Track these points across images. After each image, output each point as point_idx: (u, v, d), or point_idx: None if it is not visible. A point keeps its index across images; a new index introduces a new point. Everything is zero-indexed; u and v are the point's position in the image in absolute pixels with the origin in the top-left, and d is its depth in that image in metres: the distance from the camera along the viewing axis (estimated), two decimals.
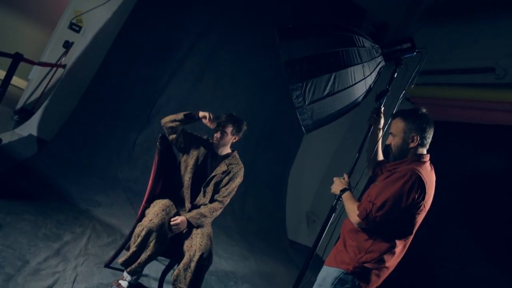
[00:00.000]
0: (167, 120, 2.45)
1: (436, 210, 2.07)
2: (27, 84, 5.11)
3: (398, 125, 1.88)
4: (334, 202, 2.03)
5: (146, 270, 2.72)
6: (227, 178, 2.54)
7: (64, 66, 4.59)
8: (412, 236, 1.85)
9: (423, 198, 1.73)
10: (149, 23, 4.52)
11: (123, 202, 3.87)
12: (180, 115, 2.43)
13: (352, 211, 1.82)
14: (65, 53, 4.69)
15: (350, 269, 1.81)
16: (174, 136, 2.48)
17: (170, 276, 2.58)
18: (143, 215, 2.39)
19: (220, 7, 4.78)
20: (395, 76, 2.11)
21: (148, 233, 2.17)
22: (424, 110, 1.88)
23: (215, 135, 2.51)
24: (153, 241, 2.18)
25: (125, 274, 2.38)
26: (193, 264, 2.21)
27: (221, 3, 4.77)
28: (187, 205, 2.49)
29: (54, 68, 4.66)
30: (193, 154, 2.51)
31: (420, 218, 1.81)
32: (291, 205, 5.56)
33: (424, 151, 1.87)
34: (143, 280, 2.59)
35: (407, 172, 1.72)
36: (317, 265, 2.17)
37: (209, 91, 4.81)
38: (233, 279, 3.34)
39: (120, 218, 3.45)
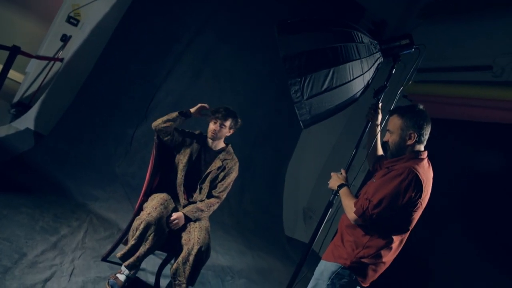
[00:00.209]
0: (159, 122, 2.41)
1: (433, 207, 2.08)
2: (24, 77, 5.09)
3: (395, 122, 1.88)
4: (331, 197, 2.05)
5: (143, 264, 2.72)
6: (222, 173, 2.54)
7: (61, 60, 4.57)
8: (409, 232, 1.87)
9: (420, 196, 1.74)
10: (147, 18, 4.50)
11: (121, 196, 3.87)
12: (173, 114, 2.41)
13: (349, 207, 1.83)
14: (62, 47, 4.66)
15: (347, 264, 1.83)
16: (168, 137, 2.46)
17: (167, 270, 2.61)
18: (140, 209, 2.39)
19: (218, 3, 4.77)
20: (393, 72, 2.12)
21: (147, 227, 2.17)
22: (421, 107, 1.88)
23: (212, 128, 2.48)
24: (152, 234, 2.19)
25: (122, 268, 2.38)
26: (191, 258, 2.21)
27: None
28: (182, 201, 2.49)
29: (52, 62, 4.64)
30: (187, 151, 2.50)
31: (417, 215, 1.82)
32: (288, 201, 5.58)
33: (422, 147, 1.88)
34: (140, 274, 2.60)
35: (404, 170, 1.73)
36: (313, 260, 2.18)
37: (207, 86, 4.80)
38: (230, 274, 3.36)
39: (118, 212, 3.45)
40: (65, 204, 3.07)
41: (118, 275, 2.34)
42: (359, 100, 2.15)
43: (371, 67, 2.02)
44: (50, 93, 4.33)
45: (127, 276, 2.35)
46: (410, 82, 2.11)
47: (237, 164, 2.60)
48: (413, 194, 1.71)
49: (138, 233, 2.17)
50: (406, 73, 2.10)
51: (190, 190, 2.52)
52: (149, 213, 2.22)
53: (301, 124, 1.97)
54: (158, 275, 2.52)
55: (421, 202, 1.77)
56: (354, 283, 1.86)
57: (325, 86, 1.88)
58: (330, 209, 2.06)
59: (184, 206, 2.47)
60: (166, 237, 2.29)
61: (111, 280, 2.31)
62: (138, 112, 4.55)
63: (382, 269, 1.88)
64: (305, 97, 1.87)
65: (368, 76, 2.03)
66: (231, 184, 2.58)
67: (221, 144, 2.60)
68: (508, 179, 3.26)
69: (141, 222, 2.18)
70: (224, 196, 2.56)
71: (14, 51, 3.24)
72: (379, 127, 2.12)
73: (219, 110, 2.48)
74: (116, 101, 4.45)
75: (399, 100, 2.53)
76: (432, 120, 1.88)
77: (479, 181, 3.50)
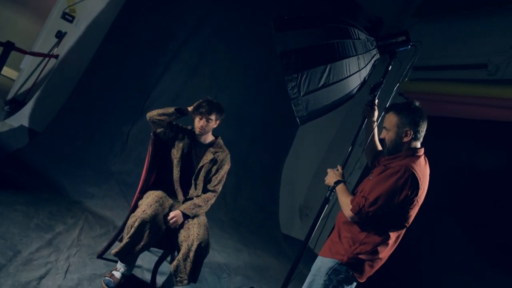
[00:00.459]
0: (154, 114, 2.40)
1: (429, 205, 2.09)
2: (18, 74, 5.04)
3: (391, 120, 1.89)
4: (328, 194, 2.05)
5: (139, 261, 2.72)
6: (215, 167, 2.52)
7: (56, 57, 4.53)
8: (405, 229, 1.88)
9: (416, 194, 1.75)
10: (143, 14, 4.47)
11: (116, 194, 3.85)
12: (169, 110, 2.39)
13: (346, 204, 1.84)
14: (57, 43, 4.63)
15: (344, 260, 1.84)
16: (162, 129, 2.45)
17: (163, 267, 2.60)
18: (136, 206, 2.38)
19: (215, 0, 4.75)
20: (390, 69, 2.12)
21: (141, 224, 2.16)
22: (417, 104, 1.88)
23: (199, 124, 2.43)
24: (146, 232, 2.18)
25: (118, 265, 2.38)
26: (191, 254, 2.20)
27: None
28: (180, 198, 2.49)
29: (46, 59, 4.60)
30: (179, 146, 2.49)
31: (413, 212, 1.83)
32: (284, 198, 5.59)
33: (418, 144, 1.89)
34: (136, 272, 2.59)
35: (401, 169, 1.74)
36: (309, 257, 2.19)
37: (204, 83, 4.79)
38: (227, 271, 3.36)
39: (113, 210, 3.43)
40: (60, 202, 3.05)
41: (114, 272, 2.33)
42: (355, 98, 2.16)
43: (367, 64, 2.02)
44: (45, 90, 4.30)
45: (123, 273, 2.34)
46: (406, 79, 2.11)
47: (229, 155, 2.58)
48: (409, 192, 1.72)
49: (132, 230, 2.16)
50: (402, 70, 2.11)
51: (185, 186, 2.51)
52: (144, 211, 2.21)
53: (298, 121, 1.97)
54: (154, 272, 2.51)
55: (417, 199, 1.78)
56: (351, 279, 1.87)
57: (322, 83, 1.88)
58: (326, 206, 2.07)
59: (182, 203, 2.47)
60: (162, 234, 2.28)
61: (107, 277, 2.30)
62: (134, 109, 4.53)
63: (378, 265, 1.89)
64: (302, 94, 1.87)
65: (364, 72, 2.03)
66: (225, 176, 2.57)
67: (210, 137, 2.57)
68: (504, 176, 3.29)
69: (136, 220, 2.17)
70: (220, 188, 2.55)
71: (8, 47, 3.21)
72: (375, 123, 2.12)
73: (201, 105, 2.42)
74: (112, 99, 4.43)
75: (395, 98, 2.54)
76: (427, 118, 1.88)
77: (475, 179, 3.53)
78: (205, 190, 2.53)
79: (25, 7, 6.50)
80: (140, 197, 2.43)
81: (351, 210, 1.80)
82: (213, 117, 2.43)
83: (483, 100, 3.67)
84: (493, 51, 3.84)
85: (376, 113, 2.12)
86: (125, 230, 2.25)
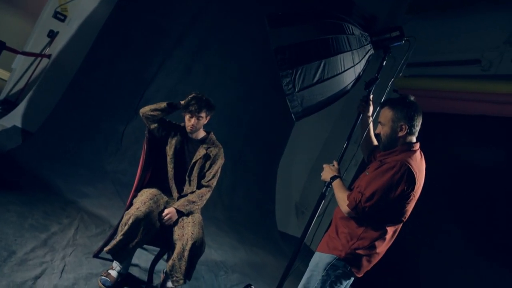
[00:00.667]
0: (147, 110, 2.39)
1: (424, 201, 2.10)
2: (10, 74, 4.99)
3: (386, 114, 1.89)
4: (324, 189, 2.05)
5: (136, 260, 2.70)
6: (208, 162, 2.50)
7: (49, 56, 4.49)
8: (402, 223, 1.88)
9: (413, 189, 1.75)
10: (136, 13, 4.45)
11: (112, 193, 3.83)
12: (162, 105, 2.38)
13: (342, 200, 1.84)
14: (49, 43, 4.59)
15: (342, 255, 1.84)
16: (155, 125, 2.43)
17: (160, 266, 2.59)
18: (131, 205, 2.36)
19: None
20: (384, 64, 2.13)
21: (135, 222, 2.14)
22: (412, 98, 1.89)
23: (190, 123, 2.40)
24: (141, 229, 2.16)
25: (114, 264, 2.36)
26: (186, 253, 2.20)
27: None
28: (175, 195, 2.48)
29: (39, 58, 4.56)
30: (172, 143, 2.48)
31: (410, 207, 1.84)
32: (280, 196, 5.59)
33: (414, 139, 1.89)
34: (133, 270, 2.57)
35: (396, 164, 1.74)
36: (305, 254, 2.19)
37: (198, 81, 4.78)
38: (224, 269, 3.35)
39: (109, 209, 3.41)
40: (54, 202, 3.03)
41: (110, 271, 2.32)
42: (350, 95, 2.16)
43: (362, 59, 2.02)
44: (37, 90, 4.26)
45: (119, 272, 2.33)
46: (400, 74, 2.11)
47: (222, 150, 2.56)
48: (405, 187, 1.72)
49: (126, 228, 2.14)
50: (396, 67, 2.10)
51: (180, 183, 2.50)
52: (138, 208, 2.19)
53: (293, 117, 1.96)
54: (151, 270, 2.49)
55: (413, 194, 1.78)
56: (349, 274, 1.88)
57: (316, 78, 1.87)
58: (323, 201, 2.07)
59: (177, 200, 2.46)
60: (156, 232, 2.26)
61: (103, 277, 2.28)
62: (128, 108, 4.50)
63: (376, 259, 1.90)
64: (296, 89, 1.86)
65: (359, 68, 2.03)
66: (219, 171, 2.56)
67: (202, 133, 2.55)
68: (498, 171, 3.32)
69: (130, 217, 2.15)
70: (214, 184, 2.54)
71: (0, 47, 3.17)
72: (370, 118, 2.13)
73: (190, 103, 2.37)
74: (106, 98, 4.40)
75: (390, 95, 2.55)
76: (422, 115, 1.89)
77: (469, 174, 3.55)
78: (199, 186, 2.51)
79: (16, 6, 6.42)
80: (135, 195, 2.41)
81: (347, 205, 1.80)
82: (203, 114, 2.40)
83: (477, 96, 3.70)
84: (486, 47, 3.87)
85: (371, 109, 2.13)
86: (119, 228, 2.23)
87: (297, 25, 1.93)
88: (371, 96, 2.12)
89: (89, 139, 4.25)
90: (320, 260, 1.90)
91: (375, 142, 2.15)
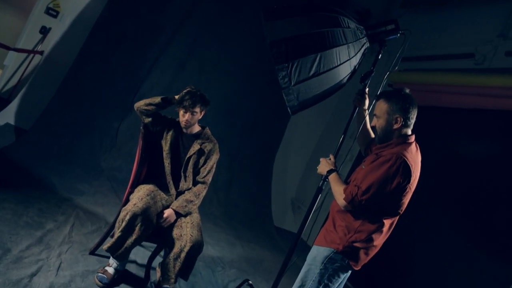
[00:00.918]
0: (141, 104, 2.37)
1: (420, 193, 2.11)
2: (2, 71, 4.93)
3: (381, 107, 1.89)
4: (321, 183, 2.05)
5: (132, 257, 2.70)
6: (203, 157, 2.49)
7: (41, 53, 4.44)
8: (399, 216, 1.89)
9: (409, 181, 1.76)
10: (130, 8, 4.41)
11: (107, 190, 3.81)
12: (156, 99, 2.36)
13: (339, 193, 1.85)
14: (42, 39, 4.53)
15: (340, 248, 1.84)
16: (149, 119, 2.41)
17: (157, 263, 2.58)
18: (128, 201, 2.35)
19: None
20: (380, 57, 2.13)
21: (133, 218, 2.13)
22: (407, 91, 1.89)
23: (184, 118, 2.38)
24: (138, 225, 2.15)
25: (111, 260, 2.35)
26: (183, 255, 2.19)
27: None
28: (173, 191, 2.47)
29: (31, 55, 4.50)
30: (167, 139, 2.46)
31: (406, 200, 1.84)
32: (276, 192, 5.60)
33: (409, 131, 1.90)
34: (130, 267, 2.57)
35: (392, 157, 1.75)
36: (302, 249, 2.19)
37: (193, 77, 4.75)
38: (221, 265, 3.36)
39: (104, 206, 3.39)
40: (49, 199, 3.00)
41: (107, 268, 2.31)
42: (345, 90, 2.15)
43: (357, 52, 2.02)
44: (30, 87, 4.21)
45: (116, 269, 2.32)
46: (396, 68, 2.12)
47: (217, 145, 2.55)
48: (401, 180, 1.73)
49: (124, 224, 2.13)
50: (391, 61, 2.10)
51: (176, 179, 2.49)
52: (135, 204, 2.18)
53: (289, 111, 1.95)
54: (148, 267, 2.49)
55: (409, 186, 1.79)
56: (347, 267, 1.88)
57: (312, 71, 1.86)
58: (319, 195, 2.07)
59: (175, 196, 2.44)
60: (154, 228, 2.26)
61: (100, 273, 2.28)
62: (123, 105, 4.47)
63: (373, 252, 1.91)
64: (292, 83, 1.85)
65: (354, 61, 2.02)
66: (214, 166, 2.55)
67: (196, 128, 2.53)
68: (492, 164, 3.34)
69: (127, 213, 2.14)
70: (210, 179, 2.53)
71: None
72: (366, 111, 2.13)
73: (184, 98, 2.34)
74: (100, 94, 4.36)
75: (386, 88, 2.55)
76: (417, 108, 1.89)
77: (464, 167, 3.57)
78: (195, 182, 2.51)
79: (8, 2, 6.33)
80: (131, 192, 2.40)
81: (344, 199, 1.80)
82: (197, 109, 2.38)
83: (470, 89, 3.71)
84: (480, 41, 3.88)
85: (367, 102, 2.13)
86: (116, 224, 2.22)
87: (292, 19, 1.93)
88: (367, 89, 2.12)
89: (84, 136, 4.22)
90: (317, 253, 1.90)
91: (372, 135, 2.16)
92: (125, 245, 2.16)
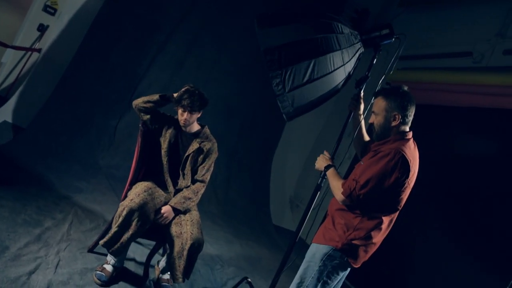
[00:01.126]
0: (139, 102, 2.37)
1: (418, 192, 2.12)
2: None
3: (380, 104, 1.90)
4: (319, 180, 2.05)
5: (131, 254, 2.70)
6: (202, 156, 2.49)
7: (39, 51, 4.42)
8: (397, 213, 1.90)
9: (407, 176, 1.76)
10: (128, 6, 4.39)
11: (105, 188, 3.80)
12: (154, 97, 2.36)
13: (337, 188, 1.85)
14: (40, 37, 4.52)
15: (339, 246, 1.85)
16: (148, 116, 2.41)
17: (155, 260, 2.58)
18: (126, 198, 2.35)
19: None
20: (375, 62, 2.12)
21: (130, 213, 2.13)
22: (405, 88, 1.90)
23: (183, 118, 2.37)
24: (135, 220, 2.14)
25: (108, 257, 2.35)
26: (185, 253, 2.19)
27: None
28: (171, 189, 2.46)
29: (29, 52, 4.49)
30: (166, 136, 2.46)
31: (405, 195, 1.85)
32: (274, 190, 5.60)
33: (407, 128, 1.91)
34: (128, 265, 2.57)
35: (391, 151, 1.75)
36: (300, 248, 2.20)
37: (191, 75, 4.74)
38: (219, 263, 3.36)
39: (103, 204, 3.39)
40: (48, 197, 3.00)
41: (105, 266, 2.31)
42: (343, 90, 2.16)
43: (352, 58, 2.01)
44: (28, 85, 4.19)
45: (114, 265, 2.32)
46: (391, 72, 2.12)
47: (215, 144, 2.54)
48: (399, 175, 1.73)
49: (121, 219, 2.13)
50: (389, 60, 2.10)
51: (174, 176, 2.49)
52: (132, 199, 2.18)
53: (285, 117, 1.96)
54: (147, 265, 2.48)
55: (408, 182, 1.79)
56: (346, 264, 1.88)
57: (306, 78, 1.87)
58: (318, 193, 2.08)
59: (173, 193, 2.44)
60: (151, 224, 2.25)
61: (98, 271, 2.27)
62: (121, 102, 4.46)
63: (372, 249, 1.91)
64: (286, 90, 1.86)
65: (349, 66, 2.03)
66: (213, 165, 2.55)
67: (196, 127, 2.53)
68: (490, 163, 3.35)
69: (124, 209, 2.14)
70: (208, 178, 2.53)
71: None
72: (361, 116, 2.13)
73: (183, 97, 2.33)
74: (98, 92, 4.35)
75: (383, 87, 2.55)
76: (415, 106, 1.90)
77: (462, 166, 3.58)
78: (193, 180, 2.50)
79: (5, 0, 6.30)
80: (130, 189, 2.40)
81: (342, 193, 1.81)
82: (196, 108, 2.37)
83: (468, 88, 3.73)
84: (478, 39, 3.89)
85: (362, 107, 2.13)
86: (114, 220, 2.21)
87: (286, 26, 1.93)
88: (362, 94, 2.13)
89: (82, 134, 4.20)
90: (316, 251, 1.91)
91: (367, 138, 2.16)
92: (121, 240, 2.15)
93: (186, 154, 2.46)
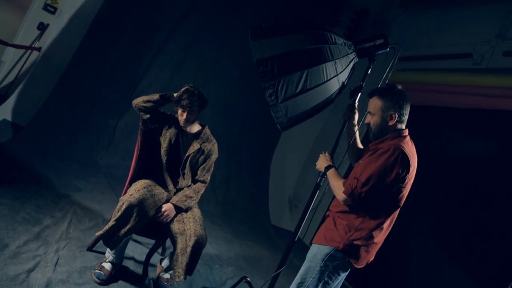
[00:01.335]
0: (139, 101, 2.37)
1: (417, 192, 2.11)
2: None
3: (375, 104, 1.90)
4: (319, 180, 2.06)
5: (130, 253, 2.70)
6: (202, 157, 2.49)
7: (39, 49, 4.41)
8: (398, 210, 1.90)
9: (408, 172, 1.76)
10: (128, 5, 4.39)
11: (105, 187, 3.80)
12: (154, 96, 2.36)
13: (338, 188, 1.84)
14: (39, 36, 4.51)
15: (340, 246, 1.84)
16: (148, 116, 2.40)
17: (154, 259, 2.58)
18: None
19: None
20: (369, 72, 2.12)
21: (128, 208, 2.12)
22: (400, 87, 1.90)
23: (182, 117, 2.36)
24: (133, 215, 2.14)
25: (107, 254, 2.35)
26: (189, 249, 2.19)
27: None
28: (171, 188, 2.46)
29: (29, 51, 4.48)
30: (166, 136, 2.46)
31: (405, 191, 1.85)
32: (273, 191, 5.60)
33: (403, 126, 1.91)
34: (127, 263, 2.56)
35: (390, 148, 1.76)
36: (299, 248, 2.19)
37: (191, 75, 4.74)
38: (218, 262, 3.36)
39: (102, 203, 3.38)
40: (47, 195, 2.99)
41: (104, 264, 2.31)
42: (342, 92, 2.16)
43: (345, 68, 2.02)
44: (28, 83, 4.19)
45: (112, 263, 2.31)
46: (386, 81, 2.11)
47: (216, 145, 2.55)
48: (400, 170, 1.73)
49: (119, 213, 2.12)
50: (387, 64, 2.09)
51: (174, 176, 2.49)
52: (131, 195, 2.18)
53: (279, 127, 1.97)
54: (146, 263, 2.48)
55: (408, 177, 1.79)
56: (347, 265, 1.88)
57: (299, 88, 1.89)
58: (317, 192, 2.08)
59: (174, 193, 2.44)
60: (149, 220, 2.24)
61: (97, 270, 2.27)
62: (121, 102, 4.46)
63: (374, 249, 1.91)
64: (279, 100, 1.88)
65: (343, 77, 2.04)
66: (213, 166, 2.55)
67: (196, 127, 2.52)
68: (489, 164, 3.36)
69: (123, 203, 2.14)
70: (209, 178, 2.54)
71: None
72: (356, 126, 2.13)
73: (182, 97, 2.33)
74: (97, 91, 4.35)
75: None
76: (414, 107, 1.91)
77: (462, 167, 3.59)
78: (194, 180, 2.51)
79: None
80: (129, 187, 2.39)
81: (343, 192, 1.80)
82: (195, 108, 2.37)
83: (468, 89, 3.74)
84: (478, 41, 3.90)
85: (356, 117, 2.13)
86: (113, 215, 2.21)
87: (278, 37, 1.94)
88: (356, 104, 2.13)
89: (81, 133, 4.20)
90: (318, 251, 1.90)
91: (361, 147, 2.15)
92: (118, 234, 2.13)
93: (187, 155, 2.46)
